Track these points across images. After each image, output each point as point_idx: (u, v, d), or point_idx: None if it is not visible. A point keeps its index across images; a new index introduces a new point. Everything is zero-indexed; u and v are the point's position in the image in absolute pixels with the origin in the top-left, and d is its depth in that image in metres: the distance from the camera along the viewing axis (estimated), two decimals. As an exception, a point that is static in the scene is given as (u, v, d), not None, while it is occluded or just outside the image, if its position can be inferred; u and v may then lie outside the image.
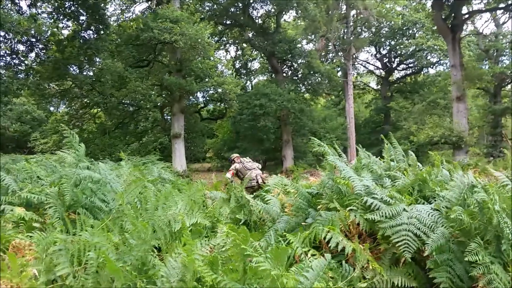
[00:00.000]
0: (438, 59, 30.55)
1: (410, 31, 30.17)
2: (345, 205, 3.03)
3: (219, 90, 20.14)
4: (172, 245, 2.64)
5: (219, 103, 25.04)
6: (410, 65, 32.61)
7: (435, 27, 21.83)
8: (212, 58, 21.07)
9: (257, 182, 7.63)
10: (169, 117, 22.60)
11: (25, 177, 4.41)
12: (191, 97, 22.60)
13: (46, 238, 2.40)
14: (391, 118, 30.99)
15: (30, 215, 3.20)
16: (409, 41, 29.90)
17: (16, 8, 14.90)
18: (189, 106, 23.70)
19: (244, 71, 32.64)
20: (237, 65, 32.44)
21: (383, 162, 4.24)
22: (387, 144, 4.43)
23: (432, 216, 2.71)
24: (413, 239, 2.51)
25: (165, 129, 23.07)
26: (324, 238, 2.66)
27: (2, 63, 15.43)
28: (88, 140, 19.23)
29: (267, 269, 1.76)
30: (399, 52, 31.44)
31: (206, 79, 20.00)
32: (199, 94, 24.05)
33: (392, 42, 31.04)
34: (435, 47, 28.35)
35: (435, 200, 3.16)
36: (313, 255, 2.69)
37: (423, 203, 3.18)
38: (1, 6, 13.20)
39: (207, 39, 18.36)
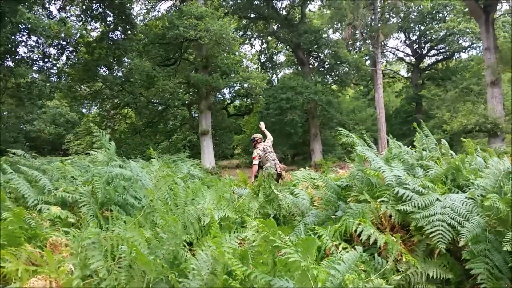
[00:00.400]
0: (470, 43, 29.35)
1: (440, 15, 29.10)
2: (375, 197, 2.97)
3: (245, 85, 20.16)
4: (203, 238, 2.67)
5: (245, 99, 25.10)
6: (441, 50, 31.49)
7: (467, 9, 20.98)
8: (237, 53, 21.10)
9: (276, 171, 7.45)
10: (196, 115, 22.82)
11: (59, 177, 4.56)
12: (217, 93, 22.75)
13: (80, 235, 2.48)
14: (423, 106, 30.10)
15: (65, 214, 3.31)
16: (440, 25, 28.85)
17: (47, 13, 15.37)
18: (216, 103, 23.86)
19: (270, 65, 32.51)
20: (263, 59, 32.35)
21: (415, 151, 4.12)
22: (419, 133, 4.30)
23: (466, 205, 2.61)
24: (447, 229, 2.43)
25: (193, 127, 23.34)
26: (355, 230, 2.61)
27: (35, 67, 15.99)
28: (120, 140, 19.69)
29: (296, 260, 1.75)
30: (429, 37, 30.40)
31: (232, 75, 20.05)
32: (226, 90, 24.21)
33: (422, 27, 30.04)
34: (467, 30, 27.24)
35: (470, 189, 3.05)
36: (344, 248, 2.65)
37: (457, 192, 3.08)
38: (33, 12, 13.66)
39: (231, 34, 18.38)
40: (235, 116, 29.40)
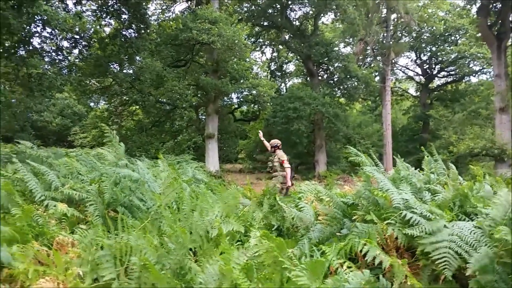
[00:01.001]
0: (481, 68, 29.32)
1: (453, 37, 29.12)
2: (382, 218, 2.97)
3: (254, 92, 20.22)
4: (208, 249, 2.68)
5: (252, 105, 25.15)
6: (451, 72, 31.47)
7: (480, 34, 20.98)
8: (247, 60, 21.18)
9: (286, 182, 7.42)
10: (203, 117, 22.88)
11: (66, 173, 4.58)
12: (225, 98, 22.81)
13: (87, 237, 2.50)
14: (430, 126, 30.04)
15: (72, 212, 3.33)
16: (451, 47, 28.86)
17: (63, 5, 15.52)
18: (223, 107, 23.92)
19: (279, 73, 32.60)
20: (272, 67, 32.45)
21: (423, 174, 4.12)
22: (427, 156, 4.30)
23: (474, 234, 2.60)
24: (454, 257, 2.42)
25: (199, 129, 23.40)
26: (361, 250, 2.61)
27: (47, 59, 16.11)
28: (126, 137, 19.76)
29: (305, 284, 1.75)
30: (440, 58, 30.42)
31: (241, 81, 20.12)
32: (234, 95, 24.25)
33: (433, 48, 30.05)
34: (479, 54, 27.22)
35: (477, 217, 3.04)
36: (349, 267, 2.65)
37: (464, 220, 3.07)
38: (50, 4, 13.78)
39: (243, 40, 18.47)
40: (241, 121, 29.45)
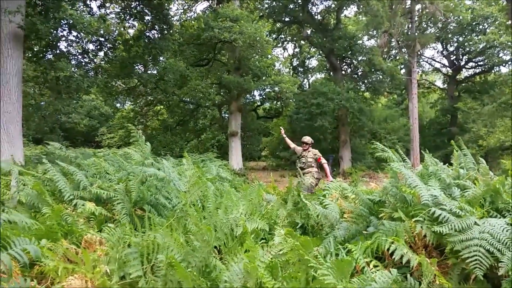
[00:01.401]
0: (511, 57, 28.26)
1: (481, 27, 28.07)
2: (410, 215, 2.90)
3: (276, 88, 20.15)
4: (233, 247, 2.69)
5: (275, 102, 25.07)
6: (479, 63, 30.38)
7: (510, 22, 20.22)
8: (269, 56, 21.11)
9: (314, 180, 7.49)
10: (226, 115, 22.99)
11: (94, 173, 4.69)
12: (248, 95, 22.82)
13: (115, 235, 2.54)
14: (458, 119, 29.20)
15: (100, 210, 3.41)
16: (479, 37, 27.83)
17: (88, 9, 15.87)
18: (246, 105, 23.96)
19: (302, 69, 32.35)
20: (295, 63, 32.23)
21: (452, 169, 4.00)
22: (456, 150, 4.17)
23: (507, 231, 2.51)
24: (485, 255, 2.34)
25: (222, 127, 23.53)
26: (388, 249, 2.56)
27: (74, 62, 16.51)
28: (151, 136, 20.09)
29: (331, 283, 1.72)
30: (467, 49, 29.41)
31: (263, 78, 20.09)
32: (256, 93, 24.25)
33: (460, 38, 29.09)
34: (509, 43, 26.23)
35: (510, 214, 2.93)
36: (375, 266, 2.60)
37: (496, 216, 2.96)
38: (75, 8, 14.13)
39: (265, 37, 18.43)
40: (264, 119, 29.42)
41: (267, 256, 2.42)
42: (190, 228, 2.83)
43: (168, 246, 2.24)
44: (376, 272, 2.41)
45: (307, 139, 8.08)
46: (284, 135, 8.33)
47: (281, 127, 8.74)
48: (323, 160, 7.68)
